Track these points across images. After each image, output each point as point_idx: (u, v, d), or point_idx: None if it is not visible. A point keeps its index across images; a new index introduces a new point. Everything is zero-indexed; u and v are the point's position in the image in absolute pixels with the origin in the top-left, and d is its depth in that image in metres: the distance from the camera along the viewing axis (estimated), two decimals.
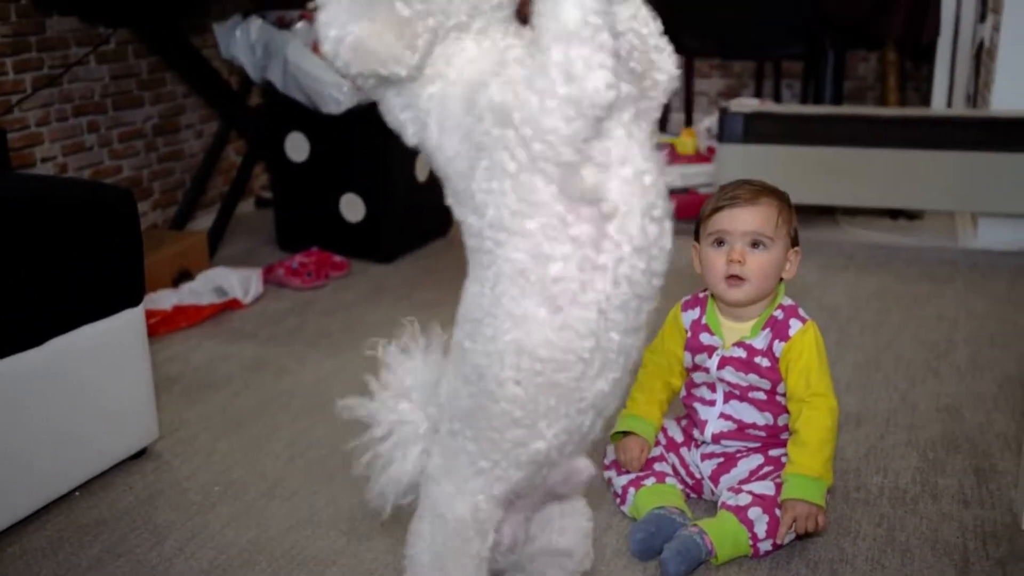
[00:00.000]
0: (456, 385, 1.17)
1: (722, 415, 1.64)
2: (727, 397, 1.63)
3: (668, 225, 1.09)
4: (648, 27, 1.08)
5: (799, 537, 1.53)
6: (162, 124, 3.25)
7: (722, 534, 1.50)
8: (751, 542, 1.50)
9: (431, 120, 1.09)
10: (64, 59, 2.81)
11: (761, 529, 1.51)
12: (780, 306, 1.60)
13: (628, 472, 1.67)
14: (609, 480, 1.70)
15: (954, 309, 2.60)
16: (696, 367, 1.65)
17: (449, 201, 1.14)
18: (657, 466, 1.68)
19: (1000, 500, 1.68)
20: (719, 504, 1.58)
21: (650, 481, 1.65)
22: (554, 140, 0.98)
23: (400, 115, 1.13)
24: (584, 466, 1.23)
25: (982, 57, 3.52)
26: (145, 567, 1.53)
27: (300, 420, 2.01)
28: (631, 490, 1.64)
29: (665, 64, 1.11)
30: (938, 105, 3.64)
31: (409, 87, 1.10)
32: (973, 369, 2.22)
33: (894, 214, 3.51)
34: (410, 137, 1.13)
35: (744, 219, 1.56)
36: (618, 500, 1.67)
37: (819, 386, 1.55)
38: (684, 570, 1.46)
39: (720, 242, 1.58)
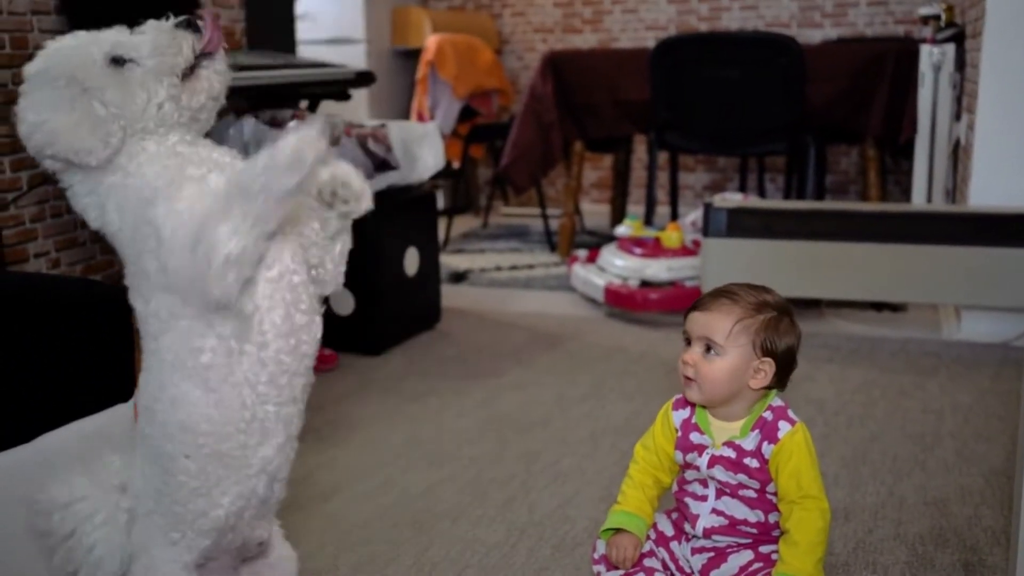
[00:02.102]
0: (144, 468, 1.36)
1: (714, 511, 1.63)
2: (719, 493, 1.63)
3: (317, 317, 1.36)
4: (349, 181, 1.40)
5: None
6: None
7: None
8: None
9: (110, 206, 1.31)
10: None
11: None
12: (769, 407, 1.60)
13: (618, 568, 1.67)
14: (598, 574, 1.70)
15: (939, 401, 2.62)
16: (688, 465, 1.65)
17: (125, 282, 1.34)
18: (647, 562, 1.68)
19: None
20: None
21: None
22: (183, 284, 1.21)
23: (83, 199, 1.35)
24: (263, 531, 1.43)
25: (959, 154, 3.61)
26: None
27: (286, 516, 2.00)
28: None
29: (364, 202, 1.45)
30: (918, 200, 3.72)
31: (93, 174, 1.32)
32: (960, 462, 2.23)
33: (878, 306, 3.56)
34: (92, 221, 1.35)
35: (699, 324, 1.59)
36: None
37: (810, 488, 1.55)
38: None
39: (688, 342, 1.62)
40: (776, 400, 1.61)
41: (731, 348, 1.56)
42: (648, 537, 1.70)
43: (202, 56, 1.37)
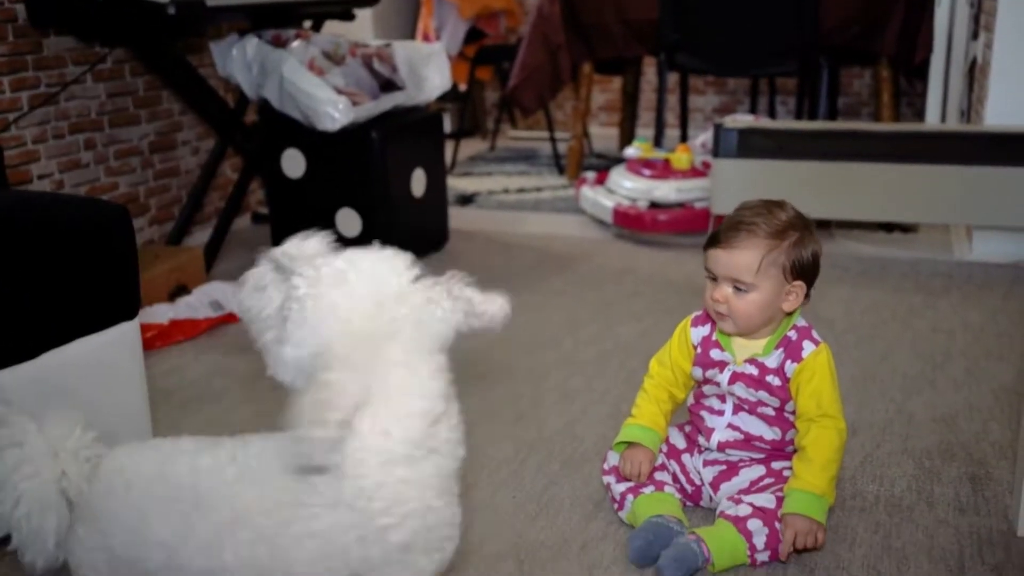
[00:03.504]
0: None
1: (730, 425, 1.64)
2: (736, 409, 1.64)
3: None
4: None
5: (796, 551, 1.53)
6: (158, 141, 3.26)
7: (720, 543, 1.50)
8: (749, 553, 1.51)
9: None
10: (61, 77, 2.82)
11: (760, 541, 1.51)
12: (794, 326, 1.60)
13: (628, 481, 1.67)
14: (608, 485, 1.70)
15: (949, 321, 2.61)
16: (707, 380, 1.65)
17: None
18: (657, 475, 1.68)
19: (996, 507, 1.68)
20: (717, 513, 1.58)
21: (649, 489, 1.65)
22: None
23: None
24: None
25: (975, 74, 3.54)
26: None
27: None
28: (629, 497, 1.65)
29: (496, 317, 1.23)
30: (932, 120, 3.66)
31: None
32: (969, 380, 2.22)
33: (889, 227, 3.53)
34: None
35: (724, 264, 1.55)
36: (616, 505, 1.67)
37: (829, 407, 1.56)
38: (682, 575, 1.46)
39: (713, 277, 1.59)
40: (800, 320, 1.61)
41: (762, 282, 1.53)
42: (660, 451, 1.70)
43: None
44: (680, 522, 1.57)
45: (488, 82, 6.05)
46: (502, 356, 2.41)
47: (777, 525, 1.52)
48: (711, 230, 1.65)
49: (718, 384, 1.62)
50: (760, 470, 1.62)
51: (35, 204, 1.70)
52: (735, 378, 1.60)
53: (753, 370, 1.59)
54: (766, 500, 1.55)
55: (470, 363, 2.37)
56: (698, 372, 1.66)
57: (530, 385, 2.24)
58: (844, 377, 2.23)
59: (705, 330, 1.66)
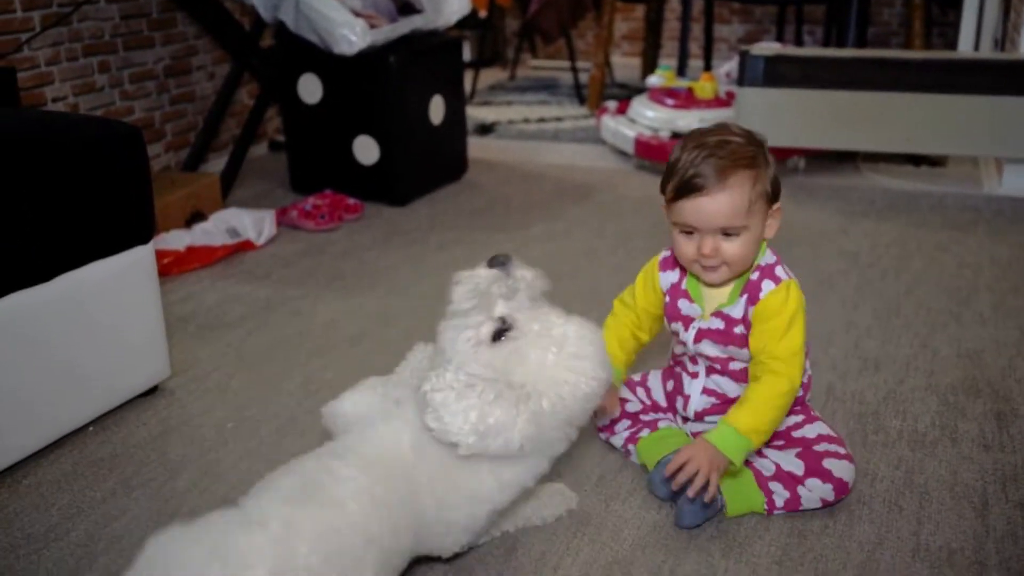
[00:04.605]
0: None
1: (705, 390, 1.54)
2: (708, 371, 1.53)
3: None
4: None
5: (679, 481, 1.38)
6: (173, 65, 3.21)
7: (738, 496, 1.45)
8: (766, 507, 1.46)
9: None
10: None
11: (780, 501, 1.45)
12: (758, 267, 1.46)
13: (614, 431, 1.63)
14: (607, 442, 1.67)
15: (977, 256, 2.56)
16: (676, 336, 1.55)
17: None
18: (644, 416, 1.63)
19: (1021, 444, 1.65)
20: None
21: (644, 432, 1.60)
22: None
23: None
24: None
25: (1011, 1, 3.43)
26: (158, 501, 1.52)
27: (313, 360, 2.00)
28: (631, 446, 1.61)
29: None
30: (965, 48, 3.56)
31: None
32: (996, 316, 2.18)
33: (917, 161, 3.46)
34: None
35: (711, 213, 1.37)
36: (623, 454, 1.64)
37: (780, 351, 1.41)
38: (701, 521, 1.43)
39: (688, 231, 1.42)
40: (768, 256, 1.46)
41: (752, 219, 1.39)
42: (642, 403, 1.65)
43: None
44: None
45: (509, 9, 5.93)
46: None
47: (798, 490, 1.44)
48: (666, 175, 1.43)
49: (684, 343, 1.51)
50: None
51: (46, 123, 1.67)
52: (700, 335, 1.49)
53: (719, 323, 1.47)
54: (793, 466, 1.46)
55: None
56: (665, 322, 1.55)
57: None
58: (867, 311, 2.20)
59: (674, 276, 1.53)
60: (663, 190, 1.44)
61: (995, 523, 1.44)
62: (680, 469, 1.38)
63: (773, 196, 1.42)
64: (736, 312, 1.46)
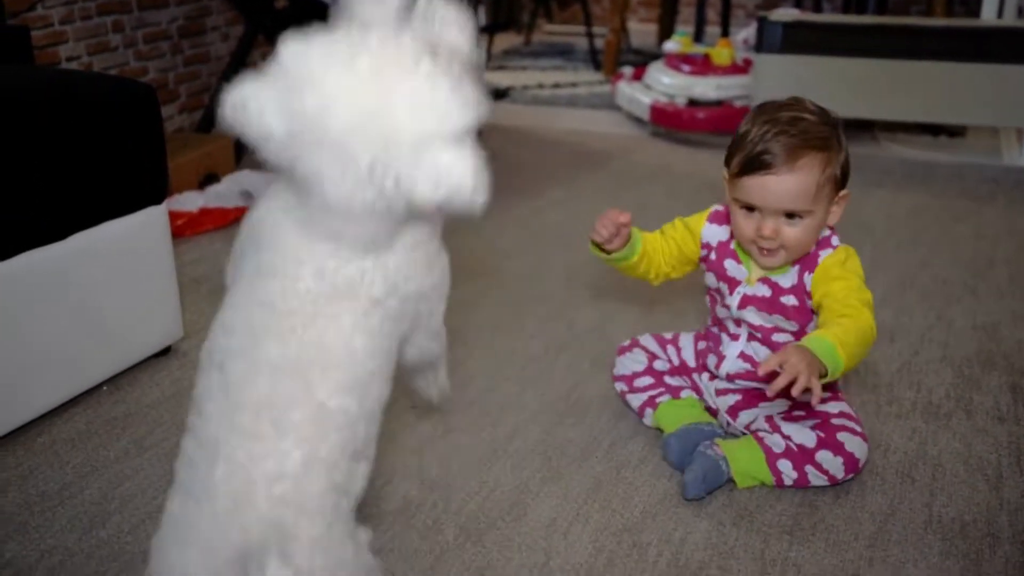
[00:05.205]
0: None
1: (742, 355, 1.51)
2: (750, 337, 1.50)
3: None
4: None
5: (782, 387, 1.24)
6: (187, 26, 3.19)
7: (745, 471, 1.43)
8: (775, 482, 1.43)
9: None
10: None
11: (788, 479, 1.42)
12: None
13: (633, 385, 1.61)
14: (622, 395, 1.66)
15: (995, 227, 2.54)
16: (718, 296, 1.51)
17: None
18: (669, 379, 1.62)
19: None
20: (752, 430, 1.48)
21: (665, 398, 1.59)
22: None
23: None
24: None
25: None
26: (172, 460, 1.52)
27: None
28: (648, 410, 1.59)
29: None
30: (988, 15, 3.51)
31: None
32: (1013, 287, 2.16)
33: (935, 131, 3.42)
34: None
35: (777, 193, 1.33)
36: (636, 414, 1.63)
37: (855, 299, 1.35)
38: (705, 494, 1.42)
39: (750, 208, 1.38)
40: (823, 231, 1.43)
41: (817, 204, 1.35)
42: (671, 362, 1.63)
43: None
44: (712, 425, 1.53)
45: None
46: (536, 253, 2.37)
47: (807, 468, 1.41)
48: (732, 147, 1.39)
49: (728, 308, 1.48)
50: (782, 404, 1.50)
51: (60, 81, 1.66)
52: (745, 302, 1.45)
53: (766, 291, 1.44)
54: (806, 437, 1.42)
55: (504, 257, 2.34)
56: (711, 279, 1.52)
57: (562, 283, 2.21)
58: (882, 282, 2.18)
59: (723, 233, 1.50)
60: (727, 163, 1.40)
61: (1009, 496, 1.43)
62: (775, 374, 1.23)
63: (842, 182, 1.38)
64: (786, 281, 1.42)
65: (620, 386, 1.66)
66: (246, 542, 0.96)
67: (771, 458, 1.43)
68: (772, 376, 1.25)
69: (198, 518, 0.98)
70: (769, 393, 1.24)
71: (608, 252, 1.51)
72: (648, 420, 1.60)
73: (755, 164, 1.34)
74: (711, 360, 1.56)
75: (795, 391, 1.21)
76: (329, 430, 0.99)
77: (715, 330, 1.56)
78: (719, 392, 1.56)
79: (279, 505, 0.96)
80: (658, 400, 1.59)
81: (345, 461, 1.01)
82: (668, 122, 3.38)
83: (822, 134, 1.35)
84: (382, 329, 1.05)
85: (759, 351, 1.50)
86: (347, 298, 1.02)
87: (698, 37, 4.27)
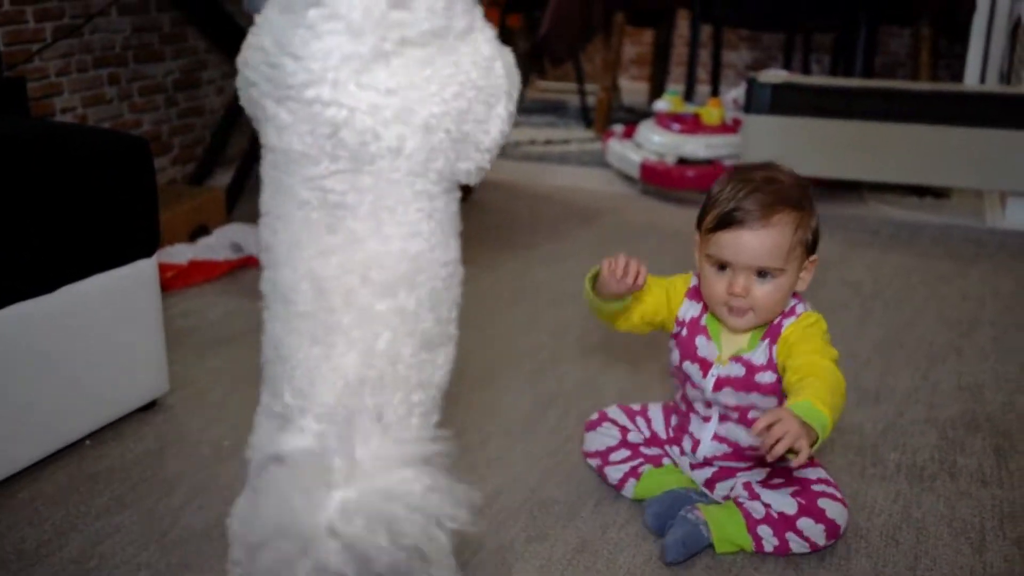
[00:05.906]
0: None
1: (716, 437, 1.49)
2: (723, 418, 1.48)
3: None
4: None
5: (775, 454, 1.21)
6: (183, 79, 3.23)
7: (725, 536, 1.41)
8: (754, 547, 1.42)
9: None
10: (86, 9, 2.78)
11: (769, 545, 1.41)
12: (780, 313, 1.42)
13: (608, 461, 1.58)
14: (599, 470, 1.62)
15: (979, 289, 2.56)
16: (687, 378, 1.49)
17: None
18: (646, 449, 1.59)
19: (1020, 480, 1.65)
20: (732, 498, 1.47)
21: (646, 468, 1.56)
22: None
23: None
24: None
25: (1018, 34, 3.44)
26: (154, 517, 1.52)
27: None
28: (631, 480, 1.57)
29: None
30: (971, 81, 3.57)
31: None
32: (997, 350, 2.18)
33: (921, 192, 3.46)
34: None
35: (751, 248, 1.34)
36: (616, 487, 1.59)
37: (822, 356, 1.33)
38: (684, 558, 1.40)
39: (721, 266, 1.39)
40: (789, 302, 1.42)
41: (790, 263, 1.36)
42: (642, 434, 1.61)
43: None
44: (696, 491, 1.52)
45: (518, 31, 5.95)
46: (525, 308, 2.38)
47: (788, 535, 1.40)
48: (706, 206, 1.40)
49: (701, 390, 1.46)
50: (760, 473, 1.49)
51: (54, 134, 1.68)
52: (720, 384, 1.43)
53: (740, 370, 1.42)
54: (786, 504, 1.41)
55: (492, 313, 2.35)
56: (677, 357, 1.49)
57: (551, 338, 2.22)
58: (868, 342, 2.20)
59: (695, 309, 1.48)
60: (699, 222, 1.41)
61: (992, 560, 1.43)
62: (769, 429, 1.20)
63: (812, 246, 1.39)
64: (758, 358, 1.42)
65: (594, 461, 1.63)
66: None
67: (751, 524, 1.42)
68: (756, 450, 1.24)
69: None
70: (769, 459, 1.21)
71: (602, 291, 1.47)
72: (629, 492, 1.57)
73: (729, 220, 1.35)
74: (686, 442, 1.54)
75: (781, 447, 1.18)
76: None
77: (683, 407, 1.54)
78: (694, 466, 1.54)
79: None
80: (640, 470, 1.57)
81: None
82: (658, 180, 3.42)
83: (795, 194, 1.37)
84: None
85: (733, 431, 1.48)
86: None
87: (688, 96, 4.32)
